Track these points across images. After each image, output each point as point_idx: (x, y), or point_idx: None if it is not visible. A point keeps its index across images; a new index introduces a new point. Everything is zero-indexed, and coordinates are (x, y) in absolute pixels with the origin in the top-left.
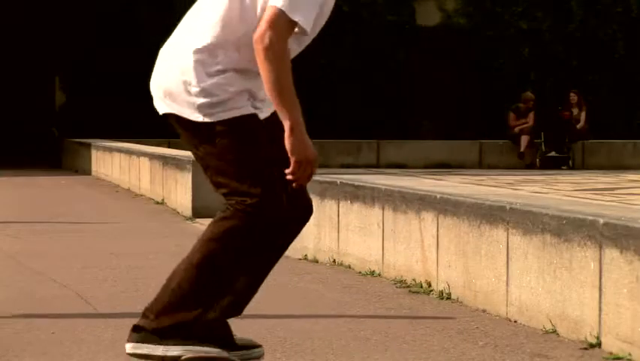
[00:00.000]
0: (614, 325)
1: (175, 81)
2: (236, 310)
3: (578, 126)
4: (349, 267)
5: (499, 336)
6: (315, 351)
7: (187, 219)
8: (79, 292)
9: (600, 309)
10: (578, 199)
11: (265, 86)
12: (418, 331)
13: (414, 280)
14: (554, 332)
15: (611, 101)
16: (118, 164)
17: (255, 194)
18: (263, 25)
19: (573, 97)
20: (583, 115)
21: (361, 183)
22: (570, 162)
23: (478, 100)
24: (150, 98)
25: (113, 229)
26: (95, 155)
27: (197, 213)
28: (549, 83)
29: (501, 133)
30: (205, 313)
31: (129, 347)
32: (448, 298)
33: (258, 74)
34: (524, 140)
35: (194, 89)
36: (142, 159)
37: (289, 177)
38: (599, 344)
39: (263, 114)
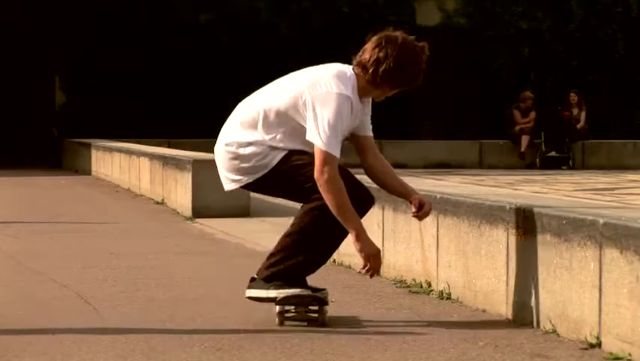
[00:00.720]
0: (614, 325)
1: (228, 162)
2: (317, 266)
3: (578, 126)
4: (349, 267)
5: (499, 336)
6: (315, 351)
7: (187, 219)
8: (79, 292)
9: (600, 309)
10: (578, 199)
11: (331, 209)
12: (418, 331)
13: (414, 280)
14: (554, 332)
15: (611, 101)
16: (118, 164)
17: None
18: (319, 166)
19: (573, 97)
20: (583, 115)
21: None
22: (570, 162)
23: (478, 100)
24: (150, 99)
25: (113, 229)
26: (95, 155)
27: (197, 213)
28: (549, 83)
29: (501, 133)
30: (297, 266)
31: (247, 292)
32: (448, 298)
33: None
34: (525, 140)
35: (238, 160)
36: (142, 159)
37: (364, 270)
38: (599, 344)
39: None
